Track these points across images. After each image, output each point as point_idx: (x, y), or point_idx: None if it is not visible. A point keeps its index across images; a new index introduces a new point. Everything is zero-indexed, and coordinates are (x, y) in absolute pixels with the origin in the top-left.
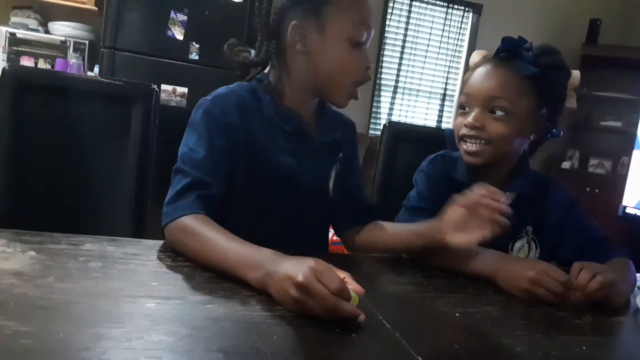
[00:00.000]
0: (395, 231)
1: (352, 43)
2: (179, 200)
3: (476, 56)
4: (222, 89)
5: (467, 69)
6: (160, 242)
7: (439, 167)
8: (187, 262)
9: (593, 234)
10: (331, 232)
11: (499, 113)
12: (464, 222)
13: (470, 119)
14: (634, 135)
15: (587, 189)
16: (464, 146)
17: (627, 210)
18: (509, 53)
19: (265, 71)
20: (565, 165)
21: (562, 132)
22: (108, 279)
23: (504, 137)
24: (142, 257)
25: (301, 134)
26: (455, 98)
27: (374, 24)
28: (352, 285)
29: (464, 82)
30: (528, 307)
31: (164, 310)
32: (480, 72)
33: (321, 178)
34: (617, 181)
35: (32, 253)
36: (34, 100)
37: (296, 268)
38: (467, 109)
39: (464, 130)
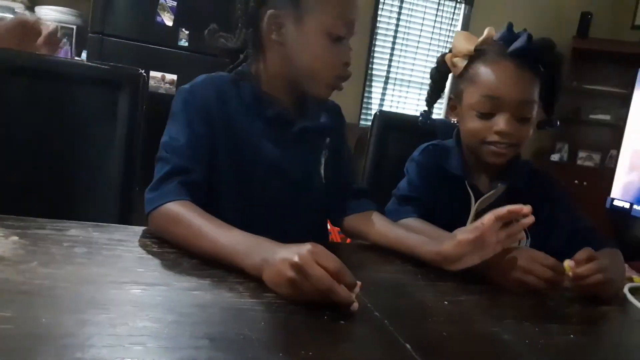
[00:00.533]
0: (385, 231)
1: (332, 37)
2: (161, 187)
3: (464, 42)
4: (200, 77)
5: None
6: (146, 228)
7: (431, 156)
8: (173, 248)
9: (583, 225)
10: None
11: (527, 117)
12: (465, 251)
13: (504, 127)
14: (623, 129)
15: (576, 181)
16: (493, 149)
17: (615, 203)
18: (526, 51)
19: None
20: (554, 157)
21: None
22: (93, 265)
23: (527, 139)
24: (127, 243)
25: (282, 120)
26: (447, 90)
27: (361, 15)
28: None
29: (469, 78)
30: (516, 296)
31: (149, 297)
32: (504, 73)
33: (308, 166)
34: (605, 174)
35: (15, 238)
36: (19, 83)
37: (293, 251)
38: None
39: (495, 137)
